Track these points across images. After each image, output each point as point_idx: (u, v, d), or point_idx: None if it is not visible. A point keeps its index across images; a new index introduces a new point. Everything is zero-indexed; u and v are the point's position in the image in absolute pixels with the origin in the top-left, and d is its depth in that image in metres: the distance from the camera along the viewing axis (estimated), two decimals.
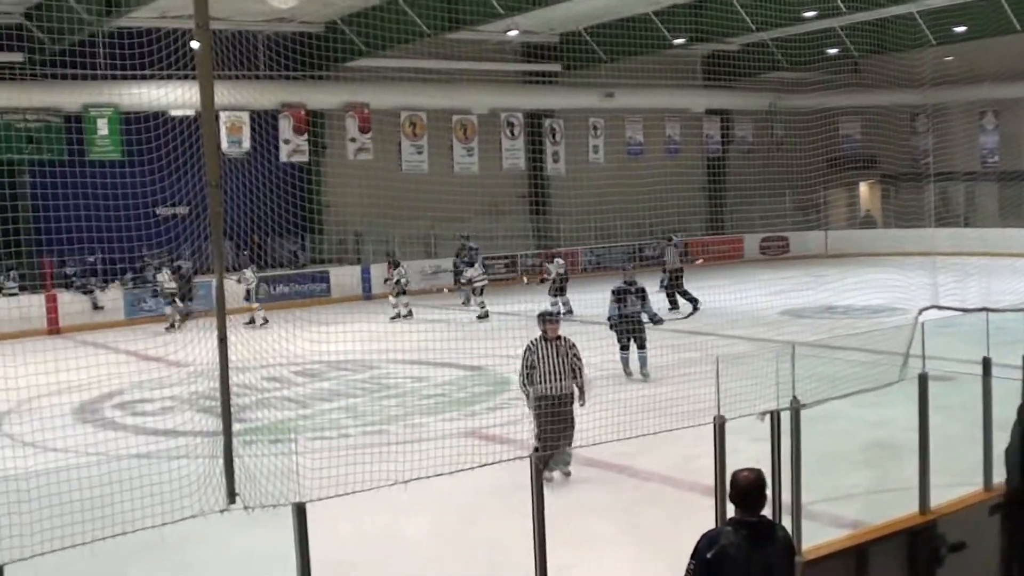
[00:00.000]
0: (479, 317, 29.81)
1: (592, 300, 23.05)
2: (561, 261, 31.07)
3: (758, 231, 45.90)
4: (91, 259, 30.94)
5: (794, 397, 8.68)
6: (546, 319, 14.13)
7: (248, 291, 30.52)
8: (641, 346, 20.09)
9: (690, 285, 30.81)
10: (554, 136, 42.97)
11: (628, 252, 42.03)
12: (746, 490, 6.70)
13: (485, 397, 19.36)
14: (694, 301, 29.21)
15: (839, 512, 10.94)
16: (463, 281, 32.33)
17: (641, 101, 43.26)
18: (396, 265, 31.65)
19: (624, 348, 20.15)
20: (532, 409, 13.44)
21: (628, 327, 20.11)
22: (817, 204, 43.98)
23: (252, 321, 29.27)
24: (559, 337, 13.82)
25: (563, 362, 13.55)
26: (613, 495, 12.73)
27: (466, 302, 32.47)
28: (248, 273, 30.40)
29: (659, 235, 34.96)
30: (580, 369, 13.75)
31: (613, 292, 20.42)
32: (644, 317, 20.41)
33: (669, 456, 13.62)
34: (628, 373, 19.87)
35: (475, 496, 11.94)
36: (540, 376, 13.43)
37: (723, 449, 8.36)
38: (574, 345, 13.92)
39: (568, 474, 13.53)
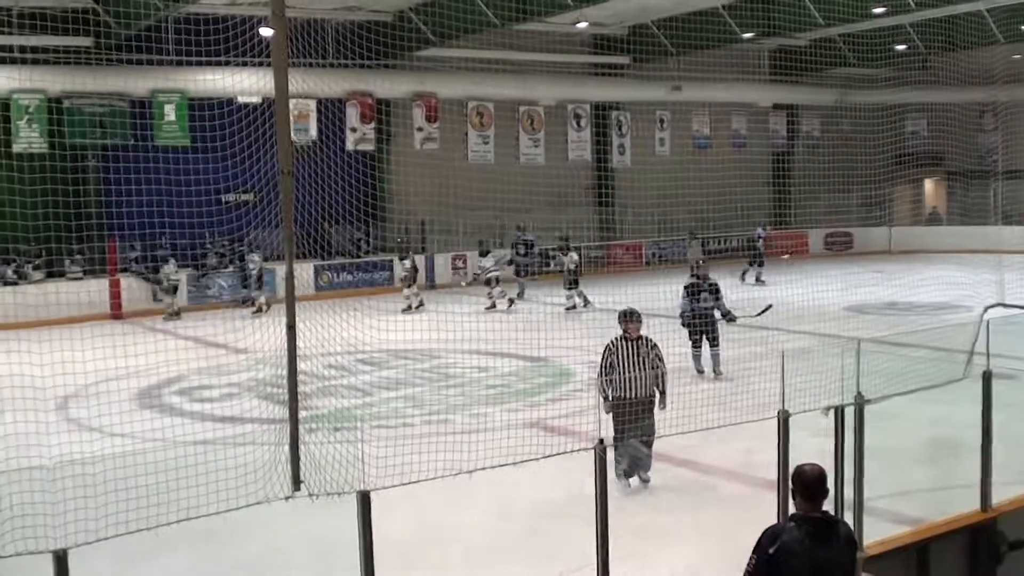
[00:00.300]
0: (487, 308, 29.88)
1: (655, 293, 22.96)
2: (575, 256, 30.98)
3: (823, 226, 45.65)
4: (160, 252, 31.17)
5: (858, 392, 8.66)
6: (627, 318, 13.37)
7: (248, 276, 30.90)
8: (714, 344, 19.58)
9: (763, 278, 30.70)
10: (620, 128, 42.85)
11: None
12: (811, 483, 6.67)
13: (548, 388, 19.39)
14: None
15: (900, 508, 10.90)
16: (476, 272, 32.29)
17: (708, 94, 43.12)
18: (404, 256, 31.81)
19: (696, 346, 19.69)
20: (609, 412, 12.55)
21: (700, 324, 19.54)
22: (882, 200, 43.63)
23: (260, 310, 29.67)
24: (640, 337, 13.23)
25: (644, 363, 12.97)
26: (676, 488, 12.72)
27: (520, 294, 32.50)
28: (256, 257, 30.67)
29: (747, 224, 34.96)
30: (662, 371, 13.13)
31: (685, 288, 20.03)
32: (717, 314, 19.81)
33: (732, 450, 13.59)
34: (700, 371, 19.40)
35: (538, 487, 11.96)
36: (619, 377, 12.81)
37: (787, 444, 8.36)
38: (656, 346, 13.33)
39: (647, 481, 12.91)
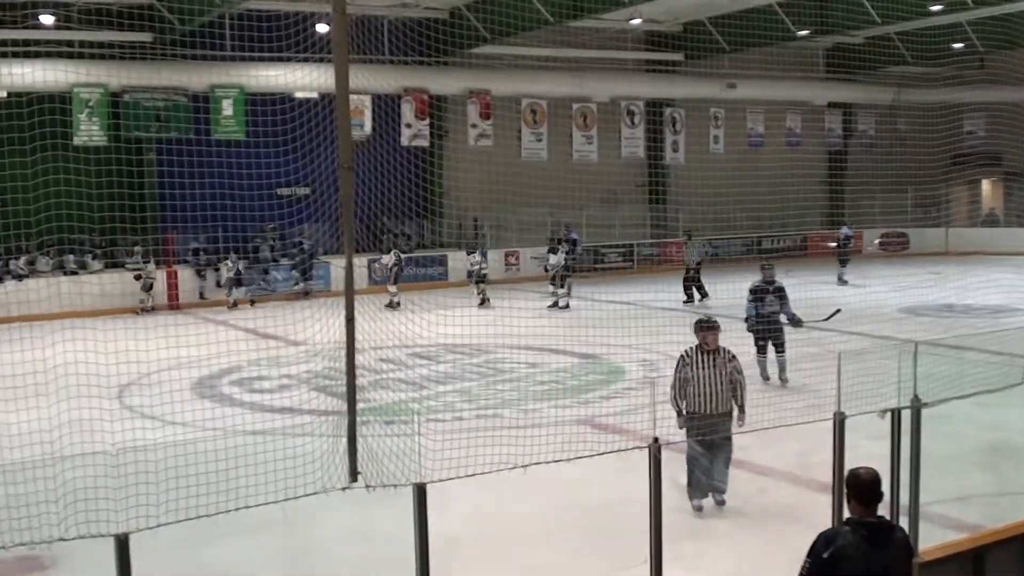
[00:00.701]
0: (480, 305, 29.93)
1: (708, 291, 22.97)
2: (553, 258, 30.94)
3: (878, 226, 45.34)
4: (139, 248, 31.39)
5: (915, 396, 8.63)
6: (704, 327, 12.29)
7: (227, 279, 31.59)
8: (780, 349, 18.76)
9: (816, 278, 30.62)
10: (674, 125, 42.79)
11: (746, 244, 41.89)
12: (866, 486, 6.58)
13: (598, 385, 19.36)
14: (705, 295, 29.99)
15: (956, 514, 10.83)
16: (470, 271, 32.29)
17: (763, 92, 42.96)
18: (389, 251, 32.00)
19: (761, 351, 18.77)
20: (683, 427, 11.82)
21: (765, 329, 18.70)
22: (938, 201, 43.40)
23: (235, 305, 30.73)
24: (718, 348, 12.14)
25: (721, 376, 11.89)
26: (729, 488, 12.70)
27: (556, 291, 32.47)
28: (230, 262, 31.14)
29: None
30: (742, 385, 12.05)
31: (751, 291, 19.15)
32: (783, 318, 19.00)
33: (787, 452, 13.54)
34: (766, 378, 18.32)
35: (590, 484, 11.99)
36: (694, 391, 11.83)
37: (842, 446, 8.34)
38: (735, 357, 12.24)
39: (722, 503, 12.13)
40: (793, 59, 42.41)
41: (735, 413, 12.04)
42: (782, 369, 18.53)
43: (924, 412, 8.69)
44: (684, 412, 11.89)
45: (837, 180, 47.22)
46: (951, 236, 45.40)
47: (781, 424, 10.37)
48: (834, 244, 36.41)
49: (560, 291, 30.29)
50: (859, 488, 6.62)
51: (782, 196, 39.16)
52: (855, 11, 35.72)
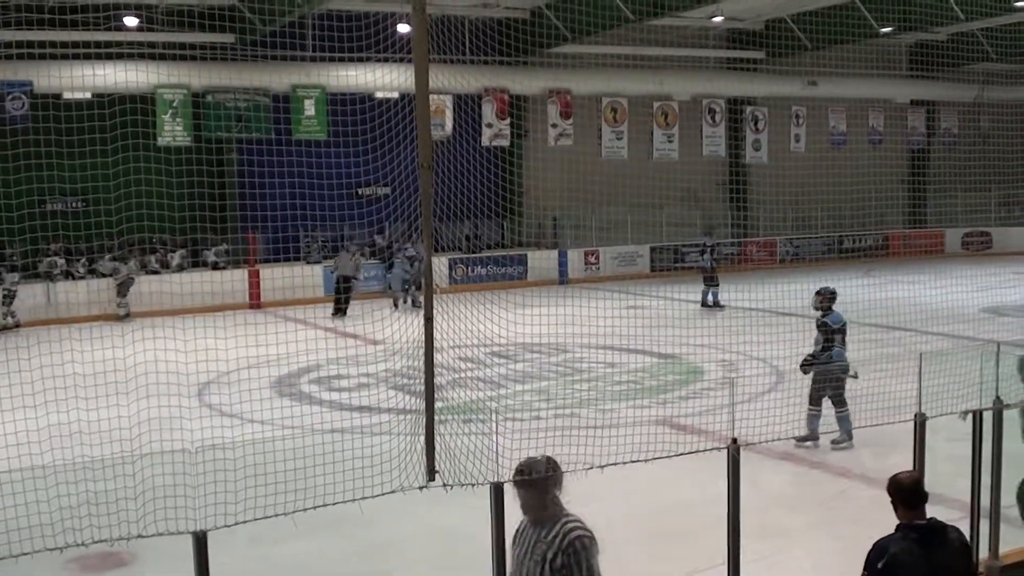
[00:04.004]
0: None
1: (788, 291, 22.76)
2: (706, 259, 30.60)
3: (960, 226, 44.83)
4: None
5: (997, 397, 8.54)
6: (519, 481, 6.78)
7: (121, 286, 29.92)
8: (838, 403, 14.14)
9: (897, 278, 30.25)
10: (756, 124, 42.45)
11: (827, 244, 41.61)
12: (910, 489, 6.59)
13: (677, 386, 19.30)
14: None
15: None
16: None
17: (844, 90, 42.57)
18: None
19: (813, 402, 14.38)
20: None
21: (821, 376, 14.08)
22: (1022, 199, 42.85)
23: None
24: (544, 521, 6.62)
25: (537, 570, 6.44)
26: (807, 489, 12.61)
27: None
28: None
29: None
30: None
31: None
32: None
33: (865, 452, 13.43)
34: (809, 437, 14.20)
35: (667, 485, 11.94)
36: None
37: (923, 447, 8.25)
38: (575, 542, 6.50)
39: None
40: (875, 56, 42.06)
41: None
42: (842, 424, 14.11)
43: (1006, 413, 8.60)
44: None
45: (919, 179, 46.71)
46: None
47: (861, 426, 10.28)
48: None
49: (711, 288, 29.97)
50: (902, 493, 6.63)
51: (863, 195, 38.88)
52: (938, 7, 35.28)
